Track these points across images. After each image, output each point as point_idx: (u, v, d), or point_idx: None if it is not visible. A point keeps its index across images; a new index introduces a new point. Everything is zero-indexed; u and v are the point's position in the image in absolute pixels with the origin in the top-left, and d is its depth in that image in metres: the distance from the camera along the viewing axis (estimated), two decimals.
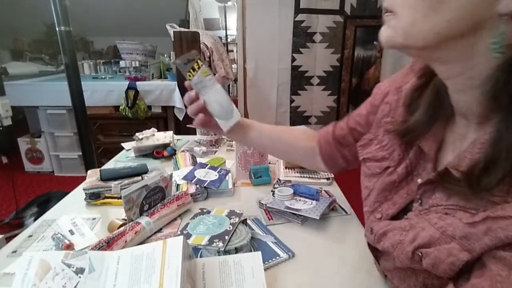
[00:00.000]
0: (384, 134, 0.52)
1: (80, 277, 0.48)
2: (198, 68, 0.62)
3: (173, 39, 2.35)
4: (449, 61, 0.36)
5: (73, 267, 0.49)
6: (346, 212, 0.84)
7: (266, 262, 0.63)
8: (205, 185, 0.92)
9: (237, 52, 3.11)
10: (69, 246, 0.68)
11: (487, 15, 0.30)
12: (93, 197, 0.89)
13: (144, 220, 0.72)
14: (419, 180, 0.44)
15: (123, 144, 1.34)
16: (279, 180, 1.04)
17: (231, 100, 0.65)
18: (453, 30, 0.32)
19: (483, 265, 0.34)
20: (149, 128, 1.32)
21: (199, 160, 1.16)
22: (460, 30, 0.32)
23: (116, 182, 0.93)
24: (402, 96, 0.50)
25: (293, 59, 2.91)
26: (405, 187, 0.47)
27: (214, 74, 0.62)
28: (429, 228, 0.39)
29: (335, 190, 0.96)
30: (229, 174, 1.02)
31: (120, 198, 0.86)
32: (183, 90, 2.43)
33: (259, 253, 0.58)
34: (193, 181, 0.94)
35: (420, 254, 0.39)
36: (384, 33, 0.37)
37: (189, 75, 0.62)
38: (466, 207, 0.36)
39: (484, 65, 0.33)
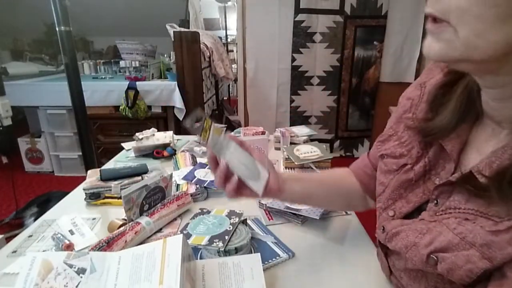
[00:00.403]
0: (404, 130, 0.50)
1: (81, 277, 0.49)
2: (209, 127, 0.55)
3: (173, 39, 2.35)
4: (502, 73, 0.34)
5: (74, 267, 0.50)
6: (346, 212, 0.84)
7: (266, 262, 0.63)
8: (205, 185, 0.92)
9: (237, 52, 3.11)
10: (69, 246, 0.68)
11: None
12: (93, 197, 0.89)
13: (144, 220, 0.72)
14: (437, 180, 0.42)
15: (123, 144, 1.34)
16: None
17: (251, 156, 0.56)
18: None
19: (503, 275, 0.33)
20: (149, 128, 1.32)
21: (199, 160, 1.16)
22: None
23: (116, 182, 0.93)
24: (425, 92, 0.48)
25: (293, 59, 2.91)
26: (422, 186, 0.45)
27: (224, 126, 0.57)
28: (448, 233, 0.38)
29: None
30: None
31: (120, 198, 0.86)
32: (183, 90, 2.43)
33: (258, 254, 0.58)
34: (193, 181, 0.94)
35: (435, 258, 0.38)
36: (435, 46, 0.34)
37: (204, 137, 0.54)
38: (488, 214, 0.35)
39: None
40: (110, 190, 0.92)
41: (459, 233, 0.37)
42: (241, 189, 0.53)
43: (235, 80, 3.42)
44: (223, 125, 0.57)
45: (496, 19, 0.29)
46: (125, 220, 0.74)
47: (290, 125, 2.78)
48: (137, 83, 2.43)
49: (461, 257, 0.35)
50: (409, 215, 0.47)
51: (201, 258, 0.64)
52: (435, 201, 0.42)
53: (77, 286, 0.48)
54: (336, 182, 0.67)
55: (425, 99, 0.47)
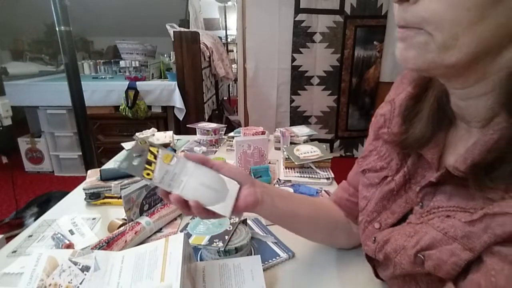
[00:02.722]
0: (383, 145, 0.52)
1: (85, 274, 0.50)
2: (155, 157, 0.47)
3: (173, 39, 2.35)
4: (470, 74, 0.36)
5: (79, 265, 0.51)
6: None
7: (266, 262, 0.63)
8: None
9: (237, 52, 3.11)
10: (69, 246, 0.68)
11: None
12: (93, 197, 0.89)
13: (144, 220, 0.72)
14: (418, 188, 0.44)
15: (123, 144, 1.34)
16: (279, 180, 1.04)
17: (215, 173, 0.49)
18: (496, 39, 0.32)
19: (480, 261, 0.34)
20: (149, 128, 1.32)
21: None
22: (500, 39, 0.32)
23: (116, 182, 0.93)
24: (395, 106, 0.50)
25: (293, 59, 2.91)
26: (404, 196, 0.47)
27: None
28: (432, 231, 0.39)
29: None
30: None
31: (120, 198, 0.86)
32: (183, 90, 2.43)
33: (259, 256, 0.58)
34: None
35: (422, 257, 0.39)
36: (410, 53, 0.36)
37: (148, 174, 0.46)
38: (466, 208, 0.37)
39: (499, 74, 0.34)
40: (110, 190, 0.92)
41: (441, 229, 0.38)
42: (209, 212, 0.48)
43: (235, 80, 3.42)
44: (169, 150, 0.49)
45: (468, 22, 0.31)
46: (125, 220, 0.74)
47: (290, 125, 2.78)
48: (137, 83, 2.43)
49: (445, 251, 0.36)
50: (395, 225, 0.47)
51: (201, 258, 0.64)
52: (420, 204, 0.43)
53: (81, 283, 0.49)
54: (322, 207, 0.65)
55: (397, 113, 0.49)
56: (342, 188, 0.66)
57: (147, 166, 0.47)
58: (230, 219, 0.69)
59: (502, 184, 0.33)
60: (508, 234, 0.31)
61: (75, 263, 0.51)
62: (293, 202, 0.59)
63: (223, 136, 1.49)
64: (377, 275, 0.55)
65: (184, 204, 0.47)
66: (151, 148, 0.48)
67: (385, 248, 0.46)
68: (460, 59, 0.33)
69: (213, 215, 0.48)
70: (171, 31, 2.41)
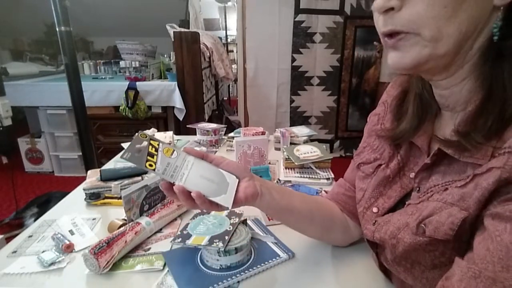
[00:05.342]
0: (375, 139, 0.57)
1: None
2: (156, 150, 0.49)
3: (173, 39, 2.36)
4: (453, 65, 0.41)
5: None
6: None
7: (266, 262, 0.63)
8: None
9: (237, 52, 3.11)
10: (69, 246, 0.68)
11: (488, 9, 0.37)
12: (93, 197, 0.89)
13: (144, 220, 0.72)
14: (412, 174, 0.48)
15: (123, 144, 1.33)
16: (279, 180, 1.04)
17: (213, 166, 0.52)
18: (471, 27, 0.38)
19: (483, 228, 0.37)
20: (149, 128, 1.32)
21: None
22: (474, 27, 0.38)
23: (116, 182, 0.94)
24: (388, 106, 0.57)
25: (293, 59, 2.91)
26: (398, 182, 0.51)
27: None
28: (432, 203, 0.42)
29: None
30: None
31: (120, 198, 0.86)
32: (183, 91, 2.43)
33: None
34: None
35: (424, 225, 0.41)
36: (407, 56, 0.40)
37: (151, 165, 0.48)
38: (460, 179, 0.41)
39: (472, 60, 0.40)
40: (110, 190, 0.92)
41: (441, 199, 0.41)
42: (212, 204, 0.50)
43: (235, 80, 3.42)
44: (168, 143, 0.56)
45: (448, 16, 0.37)
46: (125, 220, 0.74)
47: (290, 125, 2.77)
48: (137, 83, 2.43)
49: (444, 214, 0.40)
50: (393, 210, 0.50)
51: (201, 258, 0.64)
52: (418, 189, 0.47)
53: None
54: (317, 202, 0.67)
55: (389, 110, 0.56)
56: (338, 185, 0.69)
57: (149, 158, 0.48)
58: (230, 219, 0.69)
59: (490, 137, 0.38)
60: (492, 184, 0.35)
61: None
62: (291, 196, 0.61)
63: (223, 137, 1.49)
64: (380, 266, 0.56)
65: (188, 196, 0.48)
66: (152, 142, 0.49)
67: (384, 228, 0.48)
68: (449, 47, 0.38)
69: (216, 207, 0.50)
70: (171, 31, 2.41)
